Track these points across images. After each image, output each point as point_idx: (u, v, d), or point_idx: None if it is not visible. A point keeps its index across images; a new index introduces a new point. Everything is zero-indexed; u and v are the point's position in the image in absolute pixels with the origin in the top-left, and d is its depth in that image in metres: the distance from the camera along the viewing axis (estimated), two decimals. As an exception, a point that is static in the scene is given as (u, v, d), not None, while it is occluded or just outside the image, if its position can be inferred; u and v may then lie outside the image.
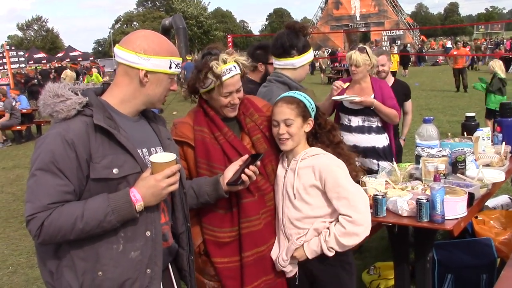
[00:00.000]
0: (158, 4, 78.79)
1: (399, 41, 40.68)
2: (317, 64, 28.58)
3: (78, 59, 38.96)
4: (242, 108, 2.53)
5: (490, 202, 4.75)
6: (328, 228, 2.39)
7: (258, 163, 2.32)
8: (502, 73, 9.29)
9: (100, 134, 1.80)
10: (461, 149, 3.48)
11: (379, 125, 4.20)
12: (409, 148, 7.00)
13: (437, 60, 33.29)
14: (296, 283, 2.52)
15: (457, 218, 2.77)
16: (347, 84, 4.21)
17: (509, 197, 4.99)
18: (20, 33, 75.98)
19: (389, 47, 34.86)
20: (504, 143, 3.97)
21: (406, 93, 5.19)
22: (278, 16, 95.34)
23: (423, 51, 36.91)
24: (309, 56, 3.13)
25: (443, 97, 16.45)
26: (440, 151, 3.38)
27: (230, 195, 2.38)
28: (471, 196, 2.90)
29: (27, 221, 1.74)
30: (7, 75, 20.38)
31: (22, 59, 23.36)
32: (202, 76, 2.35)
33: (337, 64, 25.78)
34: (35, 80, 20.95)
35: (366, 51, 4.15)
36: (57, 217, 1.72)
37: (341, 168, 2.42)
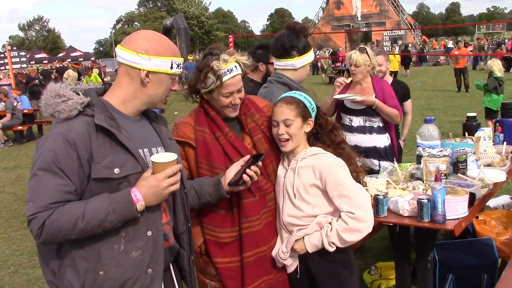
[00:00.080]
0: (159, 4, 78.81)
1: (400, 41, 40.61)
2: (318, 64, 28.55)
3: (80, 59, 39.04)
4: (243, 108, 2.53)
5: (491, 202, 4.75)
6: (330, 223, 2.39)
7: (260, 163, 2.33)
8: (498, 72, 9.34)
9: (102, 134, 1.80)
10: (462, 149, 3.48)
11: (381, 125, 4.20)
12: (410, 148, 7.00)
13: (439, 60, 33.27)
14: (298, 276, 2.51)
15: (458, 218, 2.77)
16: (350, 79, 4.22)
17: (510, 197, 4.98)
18: (21, 34, 76.16)
19: (390, 47, 34.92)
20: (505, 143, 3.97)
21: (405, 93, 5.19)
22: (279, 16, 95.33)
23: (425, 51, 36.88)
24: (309, 56, 3.13)
25: (444, 97, 16.44)
26: (441, 151, 3.38)
27: (231, 196, 2.38)
28: (472, 196, 2.90)
29: (29, 221, 1.75)
30: (9, 75, 20.41)
31: (24, 59, 23.39)
32: (203, 76, 2.35)
33: (339, 64, 25.77)
34: (37, 80, 20.98)
35: (367, 51, 4.16)
36: (58, 217, 1.72)
37: (341, 167, 2.43)
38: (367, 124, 4.20)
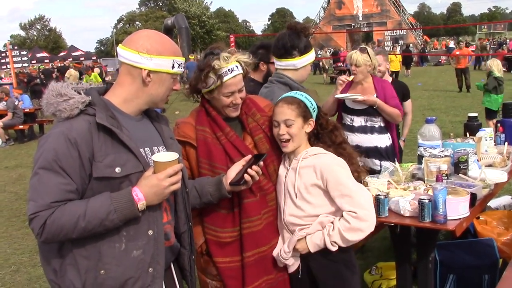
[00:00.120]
0: (160, 4, 78.80)
1: (401, 41, 40.58)
2: (320, 64, 28.54)
3: (81, 59, 39.04)
4: (244, 108, 2.53)
5: (493, 203, 4.75)
6: (332, 223, 2.39)
7: (261, 163, 2.33)
8: (498, 72, 9.35)
9: (103, 133, 1.81)
10: (464, 149, 3.48)
11: (382, 125, 4.20)
12: (411, 148, 7.00)
13: (440, 60, 33.26)
14: (299, 276, 2.51)
15: (459, 219, 2.77)
16: (352, 77, 4.22)
17: (511, 198, 4.98)
18: (22, 33, 76.18)
19: (391, 47, 34.88)
20: (506, 143, 3.97)
21: (405, 93, 5.20)
22: (281, 16, 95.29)
23: (426, 51, 36.85)
24: (310, 56, 3.12)
25: (445, 97, 16.43)
26: (442, 151, 3.38)
27: (232, 195, 2.38)
28: (473, 197, 2.90)
29: (30, 220, 1.75)
30: (10, 74, 20.46)
31: (25, 58, 23.44)
32: (204, 76, 2.35)
33: (340, 64, 25.76)
34: (38, 80, 20.95)
35: (367, 51, 4.16)
36: (59, 215, 1.73)
37: (342, 166, 2.42)
38: (369, 124, 4.20)
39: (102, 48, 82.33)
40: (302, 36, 3.08)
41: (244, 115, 2.52)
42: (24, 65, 24.18)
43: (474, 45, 31.99)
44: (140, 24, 68.57)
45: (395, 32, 42.33)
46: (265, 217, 2.50)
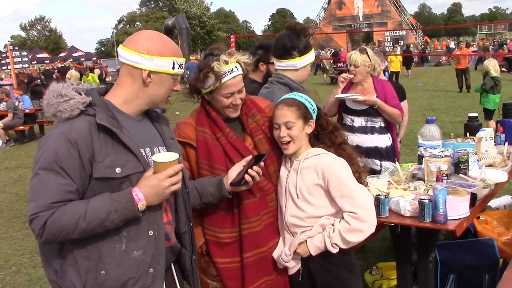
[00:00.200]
0: (161, 4, 78.81)
1: (402, 41, 40.55)
2: (321, 65, 28.53)
3: (81, 59, 39.07)
4: (245, 108, 2.53)
5: (493, 203, 4.75)
6: (332, 225, 2.39)
7: (262, 164, 2.33)
8: (494, 72, 9.38)
9: (103, 133, 1.81)
10: (464, 150, 3.48)
11: (382, 125, 4.21)
12: (411, 148, 7.01)
13: (440, 61, 33.26)
14: (300, 279, 2.51)
15: (460, 219, 2.77)
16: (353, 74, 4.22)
17: (511, 198, 4.98)
18: (23, 33, 76.25)
19: (392, 47, 34.86)
20: (506, 143, 3.97)
21: (401, 94, 5.19)
22: (281, 17, 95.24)
23: (426, 51, 36.84)
24: (310, 57, 3.12)
25: (446, 97, 16.43)
26: (442, 151, 3.38)
27: (231, 196, 2.39)
28: (473, 197, 2.91)
29: (30, 220, 1.75)
30: (10, 75, 20.47)
31: (25, 59, 23.47)
32: (204, 77, 2.36)
33: (340, 64, 25.77)
34: (38, 80, 20.99)
35: (367, 52, 4.17)
36: (60, 216, 1.73)
37: (344, 167, 2.42)
38: (369, 124, 4.20)
39: (103, 49, 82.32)
40: (302, 36, 3.08)
41: (244, 115, 2.52)
42: (24, 65, 24.23)
43: (475, 46, 31.94)
44: (140, 24, 68.59)
45: (396, 33, 42.34)
46: (265, 218, 2.50)
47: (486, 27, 56.30)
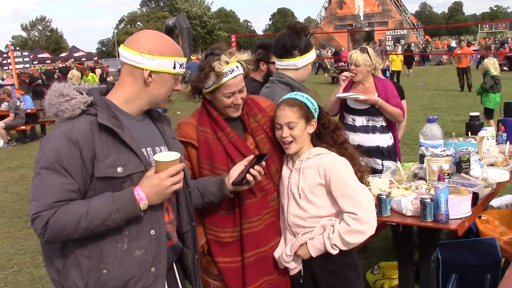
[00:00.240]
0: (161, 4, 78.80)
1: (403, 40, 40.52)
2: (322, 64, 28.50)
3: (82, 59, 39.07)
4: (246, 108, 2.53)
5: (495, 202, 4.75)
6: (333, 226, 2.38)
7: (263, 163, 2.33)
8: (494, 71, 9.36)
9: (105, 133, 1.81)
10: (465, 149, 3.47)
11: (384, 124, 4.20)
12: (412, 148, 7.01)
13: (441, 60, 33.24)
14: (301, 281, 2.51)
15: (462, 218, 2.77)
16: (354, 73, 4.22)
17: (513, 197, 4.98)
18: (24, 34, 76.29)
19: (393, 46, 34.81)
20: (508, 142, 3.97)
21: (400, 94, 5.17)
22: (282, 16, 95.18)
23: (427, 50, 36.82)
24: (311, 56, 3.12)
25: (447, 96, 16.41)
26: (444, 150, 3.38)
27: (233, 196, 2.39)
28: (475, 196, 2.90)
29: (32, 220, 1.75)
30: (12, 75, 20.48)
31: (27, 59, 23.51)
32: (204, 77, 2.36)
33: (341, 64, 25.76)
34: (40, 80, 20.98)
35: (367, 51, 4.17)
36: (61, 215, 1.73)
37: (346, 166, 2.42)
38: (370, 123, 4.20)
39: (104, 49, 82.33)
40: (302, 35, 3.08)
41: (246, 115, 2.52)
42: (25, 65, 24.25)
43: (476, 44, 31.91)
44: (141, 24, 68.58)
45: (397, 32, 42.28)
46: (266, 218, 2.50)
47: (487, 26, 56.29)
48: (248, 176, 2.26)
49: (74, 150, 1.75)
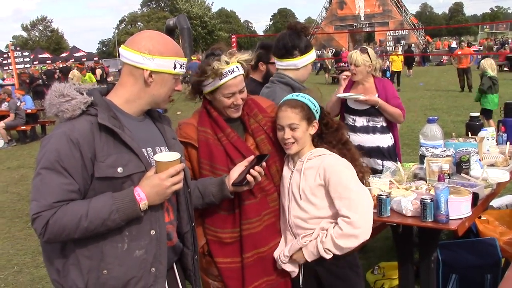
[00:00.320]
0: (162, 5, 78.80)
1: (403, 41, 40.48)
2: (318, 65, 28.51)
3: (83, 60, 39.08)
4: (246, 108, 2.53)
5: (495, 202, 4.75)
6: (327, 230, 2.37)
7: (264, 164, 2.32)
8: (492, 71, 9.36)
9: (105, 133, 1.81)
10: (466, 149, 3.47)
11: (384, 125, 4.21)
12: (412, 148, 7.01)
13: (442, 60, 33.23)
14: (301, 286, 2.51)
15: (462, 218, 2.77)
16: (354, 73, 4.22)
17: (513, 197, 4.97)
18: (24, 34, 76.32)
19: (393, 47, 34.81)
20: (508, 143, 3.97)
21: None
22: (282, 16, 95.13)
23: (428, 51, 36.82)
24: (311, 56, 3.13)
25: (447, 97, 16.41)
26: (444, 151, 3.38)
27: (233, 196, 2.39)
28: (475, 196, 2.90)
29: (33, 220, 1.76)
30: (12, 75, 20.49)
31: (27, 59, 23.51)
32: (205, 77, 2.36)
33: (342, 64, 25.76)
34: (40, 81, 20.98)
35: (368, 52, 4.17)
36: (62, 215, 1.73)
37: (347, 167, 2.41)
38: (371, 124, 4.20)
39: (104, 49, 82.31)
40: (303, 35, 3.08)
41: (246, 116, 2.52)
42: (26, 66, 24.26)
43: (476, 45, 31.88)
44: (142, 24, 68.61)
45: (397, 32, 42.25)
46: (266, 218, 2.50)
47: (487, 27, 56.23)
48: (249, 177, 2.26)
49: (74, 151, 1.76)
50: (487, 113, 9.24)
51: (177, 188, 1.89)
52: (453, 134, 4.14)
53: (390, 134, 4.25)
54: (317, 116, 2.49)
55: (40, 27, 76.58)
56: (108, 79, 24.69)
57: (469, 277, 3.69)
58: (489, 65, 9.50)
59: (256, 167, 2.28)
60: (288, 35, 3.07)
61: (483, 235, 3.99)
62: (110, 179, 1.81)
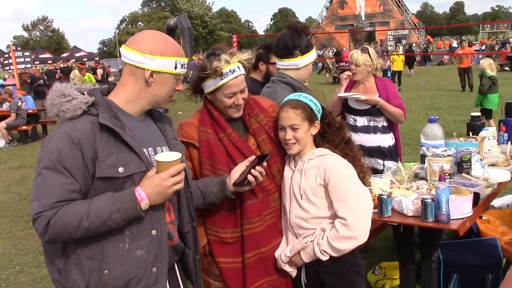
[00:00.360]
0: (163, 4, 78.80)
1: (404, 40, 40.50)
2: (320, 65, 28.49)
3: (84, 59, 39.09)
4: (247, 108, 2.53)
5: (496, 202, 4.74)
6: (324, 231, 2.37)
7: (265, 164, 2.32)
8: (491, 71, 9.35)
9: (106, 133, 1.81)
10: (467, 149, 3.47)
11: (385, 124, 4.21)
12: (413, 148, 7.01)
13: (443, 60, 33.22)
14: (302, 284, 2.51)
15: (463, 218, 2.77)
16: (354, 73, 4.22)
17: (515, 197, 4.97)
18: (25, 34, 76.35)
19: (394, 46, 34.80)
20: (509, 142, 3.97)
21: None
22: (283, 16, 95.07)
23: (429, 50, 36.81)
24: (312, 55, 3.12)
25: (448, 96, 16.40)
26: (445, 150, 3.38)
27: (234, 197, 2.39)
28: (476, 196, 2.90)
29: (34, 219, 1.76)
30: (13, 75, 20.49)
31: (28, 59, 23.50)
32: (205, 77, 2.36)
33: (342, 64, 25.74)
34: (41, 80, 21.00)
35: (368, 51, 4.17)
36: (63, 215, 1.73)
37: (348, 167, 2.41)
38: (371, 124, 4.20)
39: (105, 49, 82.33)
40: (303, 35, 3.08)
41: (247, 116, 2.52)
42: (27, 66, 24.25)
43: (477, 45, 31.85)
44: (142, 24, 68.62)
45: (398, 32, 42.27)
46: (268, 218, 2.49)
47: (488, 26, 56.24)
48: (250, 177, 2.26)
49: (75, 150, 1.76)
50: (487, 113, 9.24)
51: (178, 188, 1.89)
52: (454, 133, 4.14)
53: (391, 134, 4.25)
54: (319, 116, 2.49)
55: (41, 27, 76.62)
56: (109, 79, 24.71)
57: (470, 277, 3.69)
58: (488, 65, 9.49)
59: (257, 167, 2.28)
60: (289, 34, 3.07)
61: (484, 235, 3.99)
62: (111, 179, 1.81)
